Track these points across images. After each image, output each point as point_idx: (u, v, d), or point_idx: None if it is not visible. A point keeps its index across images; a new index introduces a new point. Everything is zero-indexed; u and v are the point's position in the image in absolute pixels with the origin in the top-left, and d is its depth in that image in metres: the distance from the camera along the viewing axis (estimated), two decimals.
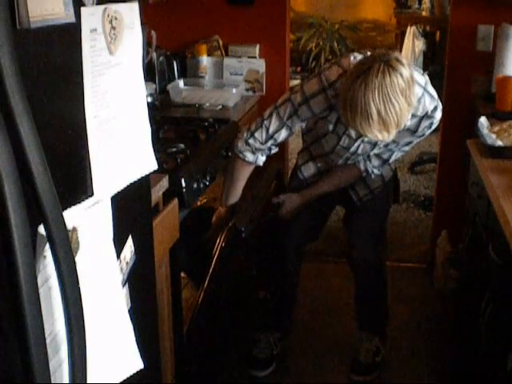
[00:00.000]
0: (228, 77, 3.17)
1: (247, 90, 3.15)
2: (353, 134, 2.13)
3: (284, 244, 2.46)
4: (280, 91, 3.22)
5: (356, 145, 2.18)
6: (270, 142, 2.16)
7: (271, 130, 2.12)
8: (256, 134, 2.15)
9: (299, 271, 2.62)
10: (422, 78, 2.02)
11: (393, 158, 2.28)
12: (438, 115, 2.06)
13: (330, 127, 2.17)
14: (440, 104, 2.06)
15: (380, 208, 2.45)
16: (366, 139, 2.11)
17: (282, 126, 2.11)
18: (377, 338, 2.56)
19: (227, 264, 2.18)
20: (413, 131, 2.09)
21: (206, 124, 2.45)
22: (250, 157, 2.20)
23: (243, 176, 2.27)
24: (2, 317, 0.82)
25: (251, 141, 2.16)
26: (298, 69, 6.66)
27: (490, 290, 1.80)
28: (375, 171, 2.30)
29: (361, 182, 2.36)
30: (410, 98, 1.81)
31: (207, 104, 2.84)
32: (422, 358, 2.60)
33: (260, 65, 3.16)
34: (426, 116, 2.04)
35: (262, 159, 2.24)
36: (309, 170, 2.43)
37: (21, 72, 0.77)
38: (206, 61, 3.16)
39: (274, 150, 2.24)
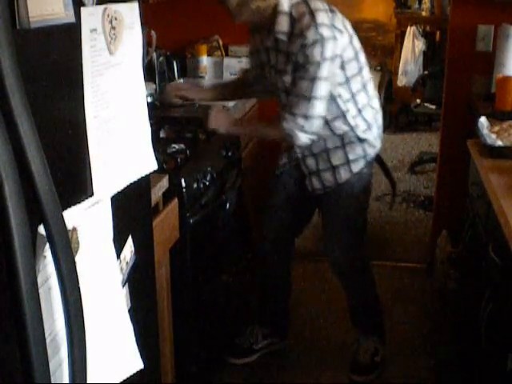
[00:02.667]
0: (228, 77, 3.17)
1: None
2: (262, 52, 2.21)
3: (262, 236, 2.50)
4: None
5: (267, 71, 2.23)
6: None
7: None
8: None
9: (286, 271, 2.61)
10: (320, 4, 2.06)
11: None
12: (310, 36, 1.99)
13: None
14: (320, 29, 1.99)
15: (344, 213, 2.36)
16: (271, 60, 2.17)
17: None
18: (374, 337, 2.56)
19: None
20: (291, 52, 2.05)
21: None
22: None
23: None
24: (2, 317, 0.82)
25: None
26: None
27: (490, 289, 1.80)
28: (308, 158, 2.29)
29: (316, 174, 2.32)
30: None
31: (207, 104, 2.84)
32: (422, 357, 2.60)
33: None
34: (299, 34, 2.01)
35: None
36: (282, 161, 2.45)
37: (21, 72, 0.77)
38: (205, 61, 3.16)
39: None
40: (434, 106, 5.76)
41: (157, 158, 1.30)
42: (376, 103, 2.32)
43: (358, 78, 2.18)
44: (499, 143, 2.07)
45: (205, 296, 2.17)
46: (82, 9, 0.98)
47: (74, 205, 0.99)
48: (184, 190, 1.94)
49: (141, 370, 1.20)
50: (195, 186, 2.03)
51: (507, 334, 1.61)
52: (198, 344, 2.14)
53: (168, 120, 2.53)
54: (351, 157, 2.28)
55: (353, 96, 2.19)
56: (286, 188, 2.44)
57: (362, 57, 2.20)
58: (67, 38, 0.96)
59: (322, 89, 2.05)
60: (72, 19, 0.95)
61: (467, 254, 2.39)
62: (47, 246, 0.87)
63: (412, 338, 2.73)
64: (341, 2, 6.48)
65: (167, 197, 1.85)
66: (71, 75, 0.99)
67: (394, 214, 4.08)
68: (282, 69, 2.12)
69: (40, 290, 0.83)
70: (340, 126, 2.22)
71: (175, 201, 1.89)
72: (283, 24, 2.04)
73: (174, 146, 2.13)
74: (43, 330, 0.82)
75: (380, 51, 6.60)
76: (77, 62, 0.99)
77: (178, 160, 2.01)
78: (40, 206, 0.82)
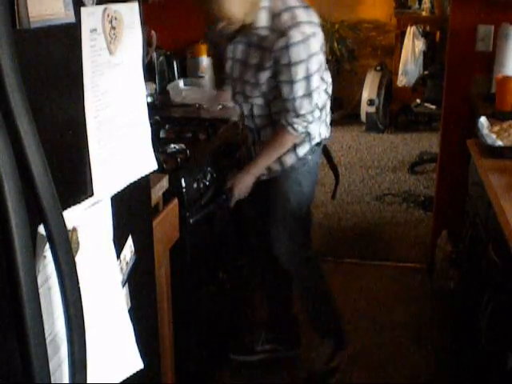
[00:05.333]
0: None
1: None
2: (227, 46, 2.19)
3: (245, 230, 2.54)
4: None
5: (230, 65, 2.21)
6: None
7: None
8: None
9: (286, 276, 2.52)
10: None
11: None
12: (295, 34, 1.99)
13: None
14: (302, 26, 2.01)
15: (288, 198, 2.32)
16: (237, 54, 2.16)
17: None
18: (330, 341, 2.51)
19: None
20: (270, 50, 2.04)
21: (206, 124, 2.45)
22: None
23: None
24: (2, 317, 0.82)
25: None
26: None
27: (490, 289, 1.80)
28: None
29: None
30: None
31: (207, 104, 2.84)
32: (422, 357, 2.60)
33: None
34: (281, 33, 2.00)
35: None
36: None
37: (21, 72, 0.77)
38: (205, 61, 3.16)
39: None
40: (434, 106, 5.76)
41: (157, 158, 1.30)
42: (330, 90, 2.32)
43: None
44: (499, 143, 2.07)
45: (205, 296, 2.17)
46: (82, 9, 0.98)
47: (73, 205, 0.99)
48: (184, 190, 1.94)
49: (141, 370, 1.20)
50: (195, 185, 2.03)
51: (507, 334, 1.61)
52: (197, 344, 2.14)
53: (168, 120, 2.53)
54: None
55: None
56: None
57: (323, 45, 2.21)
58: (67, 38, 0.96)
59: (314, 81, 2.09)
60: (72, 19, 0.95)
61: (467, 254, 2.39)
62: (47, 246, 0.87)
63: (412, 338, 2.73)
64: (341, 2, 6.50)
65: (167, 197, 1.85)
66: (71, 75, 0.99)
67: (394, 214, 4.08)
68: (256, 63, 2.11)
69: (40, 290, 0.83)
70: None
71: (175, 201, 1.89)
72: (264, 19, 2.04)
73: (173, 146, 2.14)
74: (43, 329, 0.82)
75: (380, 51, 6.60)
76: (77, 62, 0.99)
77: (178, 160, 2.01)
78: (40, 205, 0.82)
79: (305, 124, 2.16)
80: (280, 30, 2.01)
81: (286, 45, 2.00)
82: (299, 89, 2.07)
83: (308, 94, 2.09)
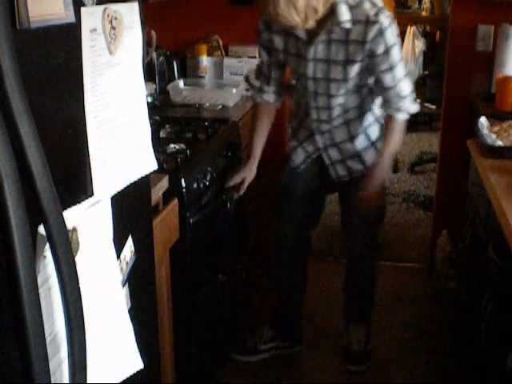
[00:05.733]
0: (228, 77, 3.17)
1: (247, 90, 3.15)
2: (303, 48, 2.12)
3: (278, 235, 2.55)
4: None
5: (311, 67, 2.14)
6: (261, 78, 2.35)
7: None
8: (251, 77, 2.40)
9: (303, 271, 2.65)
10: None
11: (371, 118, 2.29)
12: (384, 19, 2.00)
13: (281, 56, 2.24)
14: (385, 11, 2.03)
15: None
16: (318, 54, 2.10)
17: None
18: (364, 325, 2.61)
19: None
20: (362, 41, 2.03)
21: (206, 124, 2.45)
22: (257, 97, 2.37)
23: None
24: (2, 317, 0.82)
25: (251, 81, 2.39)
26: None
27: (490, 289, 1.80)
28: (360, 136, 2.29)
29: (341, 162, 2.34)
30: None
31: (207, 104, 2.84)
32: (422, 357, 2.60)
33: None
34: (370, 22, 2.00)
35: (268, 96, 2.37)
36: (298, 156, 2.41)
37: (21, 72, 0.77)
38: (205, 61, 3.16)
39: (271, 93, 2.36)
40: (434, 106, 5.76)
41: (157, 158, 1.30)
42: None
43: None
44: (499, 143, 2.07)
45: (205, 296, 2.17)
46: (82, 9, 0.98)
47: (73, 205, 0.99)
48: (184, 189, 1.94)
49: (141, 370, 1.20)
50: (195, 185, 2.03)
51: (507, 334, 1.61)
52: (198, 344, 2.14)
53: (168, 120, 2.53)
54: (373, 138, 2.32)
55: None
56: (305, 181, 2.43)
57: None
58: (67, 38, 0.96)
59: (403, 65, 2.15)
60: (72, 19, 0.95)
61: (467, 254, 2.39)
62: (47, 245, 0.87)
63: (412, 338, 2.73)
64: None
65: (167, 197, 1.85)
66: (71, 75, 0.98)
67: (394, 214, 4.08)
68: (344, 59, 2.08)
69: (40, 290, 0.83)
70: (367, 107, 2.28)
71: (175, 201, 1.89)
72: (345, 13, 2.00)
73: (173, 146, 2.13)
74: (43, 329, 0.82)
75: None
76: (77, 62, 0.99)
77: (178, 160, 2.01)
78: (40, 205, 0.82)
79: (409, 104, 2.16)
80: (367, 20, 2.00)
81: (380, 32, 2.00)
82: (399, 72, 2.10)
83: (406, 74, 2.14)
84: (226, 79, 3.16)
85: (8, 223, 0.76)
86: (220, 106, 2.83)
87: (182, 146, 2.14)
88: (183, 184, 1.94)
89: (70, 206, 0.97)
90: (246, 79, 2.45)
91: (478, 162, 2.08)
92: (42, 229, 0.86)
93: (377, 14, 1.99)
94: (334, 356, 2.62)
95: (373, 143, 2.32)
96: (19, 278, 0.78)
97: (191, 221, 1.99)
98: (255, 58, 3.17)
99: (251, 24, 3.18)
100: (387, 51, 2.04)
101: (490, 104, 2.71)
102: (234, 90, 2.93)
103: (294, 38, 2.14)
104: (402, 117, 2.20)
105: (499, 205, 1.68)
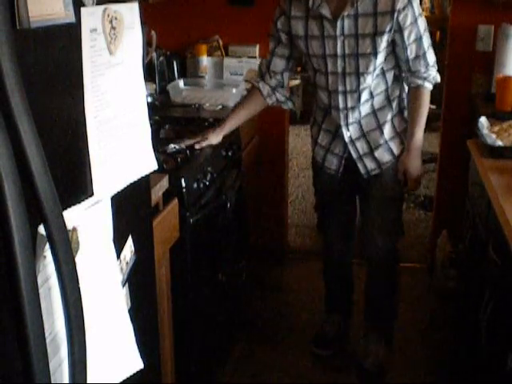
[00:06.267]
0: (228, 77, 3.17)
1: (247, 90, 3.15)
2: (328, 26, 2.12)
3: (327, 238, 2.63)
4: None
5: (339, 44, 2.13)
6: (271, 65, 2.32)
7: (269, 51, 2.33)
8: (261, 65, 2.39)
9: (349, 271, 2.72)
10: None
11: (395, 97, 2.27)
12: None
13: (301, 43, 2.21)
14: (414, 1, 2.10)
15: (391, 194, 2.36)
16: (346, 30, 2.10)
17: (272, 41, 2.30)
18: (384, 343, 2.55)
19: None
20: (391, 11, 2.06)
21: (206, 124, 2.45)
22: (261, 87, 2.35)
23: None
24: (2, 317, 0.82)
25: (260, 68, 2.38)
26: (298, 69, 6.65)
27: (490, 289, 1.80)
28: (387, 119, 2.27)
29: (369, 154, 2.30)
30: None
31: (207, 104, 2.84)
32: (422, 357, 2.60)
33: None
34: (397, 11, 2.06)
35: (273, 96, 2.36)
36: (332, 162, 2.39)
37: (21, 72, 0.77)
38: (206, 61, 3.16)
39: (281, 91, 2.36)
40: (434, 106, 5.73)
41: (157, 158, 1.30)
42: None
43: None
44: (499, 143, 2.07)
45: (205, 296, 2.17)
46: (82, 9, 0.98)
47: (73, 205, 0.99)
48: (184, 190, 1.94)
49: (141, 370, 1.20)
50: (195, 185, 2.03)
51: (507, 334, 1.61)
52: (198, 344, 2.14)
53: (168, 120, 2.53)
54: (399, 128, 2.29)
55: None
56: (339, 184, 2.43)
57: None
58: (67, 37, 0.96)
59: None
60: (72, 19, 0.95)
61: (467, 254, 2.39)
62: (47, 245, 0.87)
63: (412, 338, 2.73)
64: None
65: (167, 197, 1.85)
66: (71, 75, 0.98)
67: None
68: (372, 32, 2.09)
69: (40, 290, 0.83)
70: (395, 94, 2.27)
71: (175, 201, 1.89)
72: None
73: (173, 146, 2.13)
74: (43, 329, 0.82)
75: None
76: (77, 62, 0.99)
77: (178, 160, 2.01)
78: (40, 205, 0.82)
79: (435, 73, 2.19)
80: None
81: (409, 1, 2.06)
82: (425, 40, 2.14)
83: (431, 43, 2.18)
84: (225, 79, 3.16)
85: (8, 223, 0.76)
86: (220, 106, 2.83)
87: (182, 146, 2.14)
88: (183, 184, 1.94)
89: (70, 206, 0.97)
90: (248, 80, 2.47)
91: (478, 161, 2.08)
92: (42, 229, 0.86)
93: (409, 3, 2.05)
94: (334, 355, 2.62)
95: (398, 134, 2.29)
96: (19, 278, 0.78)
97: (191, 221, 1.99)
98: (255, 58, 3.18)
99: (251, 24, 3.19)
100: (416, 21, 2.08)
101: (490, 104, 2.70)
102: (234, 90, 2.93)
103: (317, 19, 2.13)
104: (429, 86, 2.20)
105: (499, 205, 1.68)
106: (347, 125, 2.27)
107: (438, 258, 3.11)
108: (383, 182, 2.33)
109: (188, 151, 2.10)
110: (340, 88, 2.21)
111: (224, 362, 2.52)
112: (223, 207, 2.27)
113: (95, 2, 1.01)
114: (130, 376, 1.17)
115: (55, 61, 0.94)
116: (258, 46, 3.20)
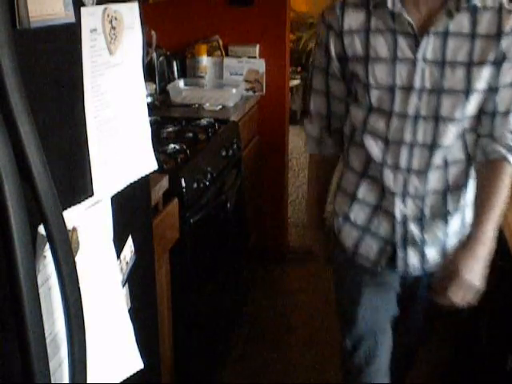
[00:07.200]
0: (228, 77, 3.17)
1: (247, 89, 3.16)
2: (404, 45, 1.42)
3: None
4: (280, 91, 3.22)
5: (419, 72, 1.41)
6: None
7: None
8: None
9: None
10: None
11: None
12: None
13: (358, 67, 1.47)
14: None
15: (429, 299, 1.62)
16: (428, 53, 1.41)
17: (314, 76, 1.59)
18: None
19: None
20: (496, 35, 1.38)
21: (206, 124, 2.45)
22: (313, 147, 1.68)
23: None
24: (2, 317, 0.82)
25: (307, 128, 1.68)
26: (299, 69, 6.65)
27: (490, 289, 1.80)
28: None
29: (416, 246, 1.55)
30: None
31: (207, 104, 2.85)
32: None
33: (260, 65, 3.16)
34: (505, 9, 1.38)
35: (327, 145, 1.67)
36: (370, 248, 1.60)
37: (21, 72, 0.77)
38: (205, 61, 3.16)
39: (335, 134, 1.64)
40: None
41: (157, 158, 1.30)
42: None
43: None
44: None
45: (205, 296, 2.17)
46: (82, 9, 0.98)
47: (74, 205, 0.99)
48: (184, 190, 1.94)
49: (141, 370, 1.20)
50: (195, 186, 2.03)
51: (507, 334, 1.61)
52: (197, 344, 2.14)
53: (168, 120, 2.53)
54: (468, 221, 1.56)
55: None
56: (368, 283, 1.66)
57: None
58: (67, 37, 0.96)
59: None
60: (72, 19, 0.95)
61: None
62: (47, 245, 0.87)
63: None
64: None
65: (167, 197, 1.85)
66: (71, 75, 0.99)
67: None
68: (467, 61, 1.40)
69: (40, 290, 0.83)
70: (472, 168, 1.54)
71: (175, 201, 1.89)
72: None
73: (173, 145, 2.14)
74: (43, 330, 0.82)
75: None
76: (77, 62, 0.99)
77: (178, 160, 2.01)
78: (40, 205, 0.82)
79: None
80: (500, 6, 1.38)
81: None
82: None
83: None
84: (225, 79, 3.16)
85: (8, 223, 0.76)
86: (220, 106, 2.83)
87: (183, 145, 2.14)
88: (183, 184, 1.94)
89: (70, 206, 0.97)
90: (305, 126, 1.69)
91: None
92: (41, 229, 0.86)
93: None
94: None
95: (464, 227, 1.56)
96: (19, 278, 0.78)
97: (191, 221, 1.99)
98: (255, 58, 3.18)
99: (251, 24, 3.20)
100: None
101: None
102: (234, 90, 2.93)
103: (385, 33, 1.43)
104: None
105: None
106: (404, 195, 1.51)
107: None
108: (422, 288, 1.66)
109: (188, 151, 2.10)
110: (407, 138, 1.46)
111: (224, 362, 2.52)
112: (223, 207, 2.27)
113: (95, 2, 1.01)
114: (130, 376, 1.17)
115: (55, 61, 0.94)
116: (258, 46, 3.20)
